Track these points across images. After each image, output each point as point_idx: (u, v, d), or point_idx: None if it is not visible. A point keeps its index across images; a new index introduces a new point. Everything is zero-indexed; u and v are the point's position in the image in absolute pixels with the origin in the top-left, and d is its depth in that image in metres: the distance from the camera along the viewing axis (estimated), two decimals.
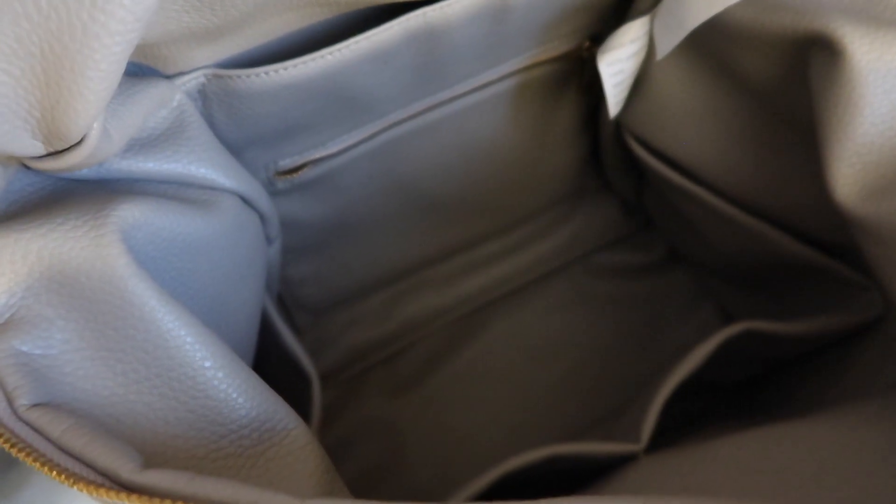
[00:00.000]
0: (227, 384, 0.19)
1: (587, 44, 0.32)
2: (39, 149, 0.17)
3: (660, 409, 0.27)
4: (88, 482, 0.14)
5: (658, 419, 0.27)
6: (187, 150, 0.22)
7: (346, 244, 0.37)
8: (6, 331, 0.17)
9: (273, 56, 0.25)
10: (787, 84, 0.26)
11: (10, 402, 0.16)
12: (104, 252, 0.17)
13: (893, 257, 0.23)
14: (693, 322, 0.41)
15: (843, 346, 0.30)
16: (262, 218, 0.26)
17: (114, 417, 0.17)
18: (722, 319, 0.41)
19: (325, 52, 0.24)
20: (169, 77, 0.23)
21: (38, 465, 0.14)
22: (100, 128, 0.17)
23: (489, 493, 0.27)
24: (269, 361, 0.31)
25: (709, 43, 0.27)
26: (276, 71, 0.24)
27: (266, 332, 0.30)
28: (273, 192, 0.31)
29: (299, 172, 0.30)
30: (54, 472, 0.14)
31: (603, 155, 0.40)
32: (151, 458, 0.17)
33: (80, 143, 0.17)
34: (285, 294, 0.38)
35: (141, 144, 0.21)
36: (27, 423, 0.16)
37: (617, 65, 0.30)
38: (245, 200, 0.25)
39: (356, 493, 0.20)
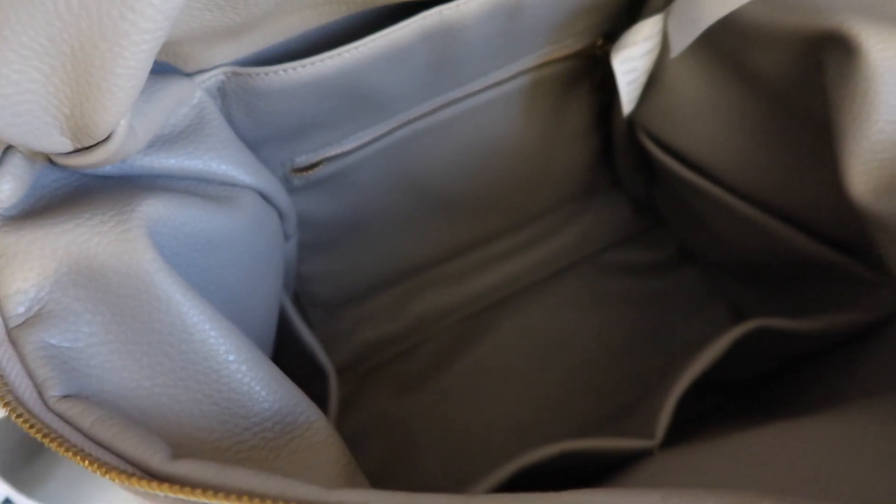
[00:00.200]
0: (250, 377, 0.19)
1: (600, 42, 0.32)
2: (67, 145, 0.17)
3: (675, 404, 0.27)
4: (120, 472, 0.14)
5: (672, 415, 0.27)
6: (208, 147, 0.22)
7: (358, 241, 0.37)
8: (35, 324, 0.17)
9: (290, 54, 0.25)
10: (801, 82, 0.26)
11: (40, 393, 0.16)
12: (130, 247, 0.18)
13: None
14: (703, 320, 0.41)
15: (856, 344, 0.30)
16: (281, 214, 0.27)
17: (140, 409, 0.18)
18: (732, 317, 0.41)
19: (342, 49, 0.25)
20: (189, 75, 0.23)
21: (70, 454, 0.15)
22: (126, 124, 0.17)
23: (500, 489, 0.28)
24: (285, 356, 0.31)
25: (723, 41, 0.28)
26: (294, 69, 0.24)
27: (283, 327, 0.30)
28: (289, 190, 0.31)
29: (315, 169, 0.30)
30: (86, 462, 0.15)
31: (614, 153, 0.40)
32: (177, 449, 0.17)
33: (107, 139, 0.17)
34: (299, 290, 0.38)
35: (162, 141, 0.22)
36: (58, 415, 0.16)
37: (630, 62, 0.30)
38: (264, 197, 0.25)
39: None
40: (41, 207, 0.18)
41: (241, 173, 0.23)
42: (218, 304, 0.22)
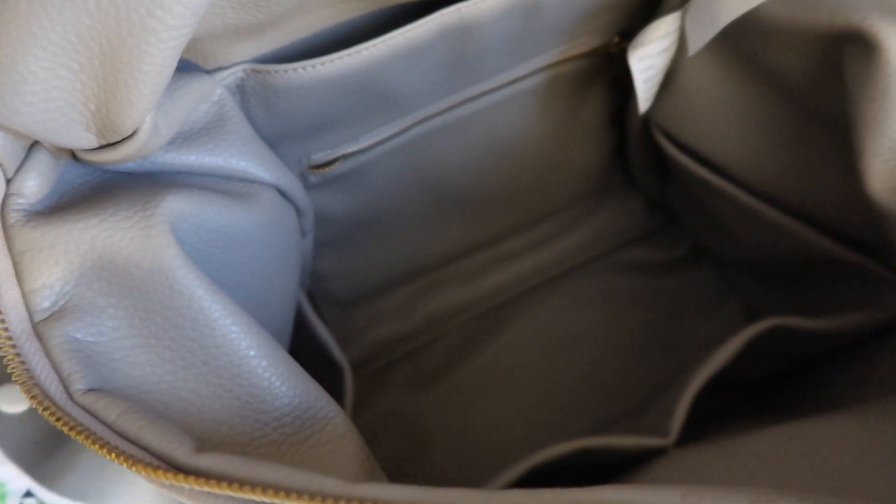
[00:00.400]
0: (270, 373, 0.19)
1: (616, 39, 0.32)
2: (93, 141, 0.17)
3: (690, 403, 0.27)
4: (146, 464, 0.15)
5: (687, 414, 0.27)
6: (227, 144, 0.23)
7: (373, 239, 0.37)
8: (60, 318, 0.17)
9: (307, 52, 0.25)
10: (820, 80, 0.26)
11: (66, 387, 0.16)
12: (153, 242, 0.18)
13: None
14: (716, 319, 0.41)
15: (872, 344, 0.30)
16: (298, 211, 0.27)
17: (162, 403, 0.18)
18: (746, 316, 0.41)
19: (360, 47, 0.25)
20: (209, 72, 0.23)
21: (97, 447, 0.15)
22: (151, 121, 0.17)
23: (515, 485, 0.28)
24: (300, 353, 0.31)
25: (741, 39, 0.27)
26: (313, 66, 0.24)
27: (298, 323, 0.30)
28: (305, 187, 0.31)
29: (331, 167, 0.30)
30: (113, 455, 0.15)
31: (629, 151, 0.40)
32: (198, 443, 0.17)
33: (132, 136, 0.17)
34: (313, 287, 0.38)
35: (183, 138, 0.22)
36: (83, 408, 0.16)
37: (647, 60, 0.30)
38: (282, 193, 0.25)
39: None
40: (65, 203, 0.19)
41: (260, 170, 0.23)
42: (237, 300, 0.22)
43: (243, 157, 0.23)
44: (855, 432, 0.23)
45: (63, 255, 0.17)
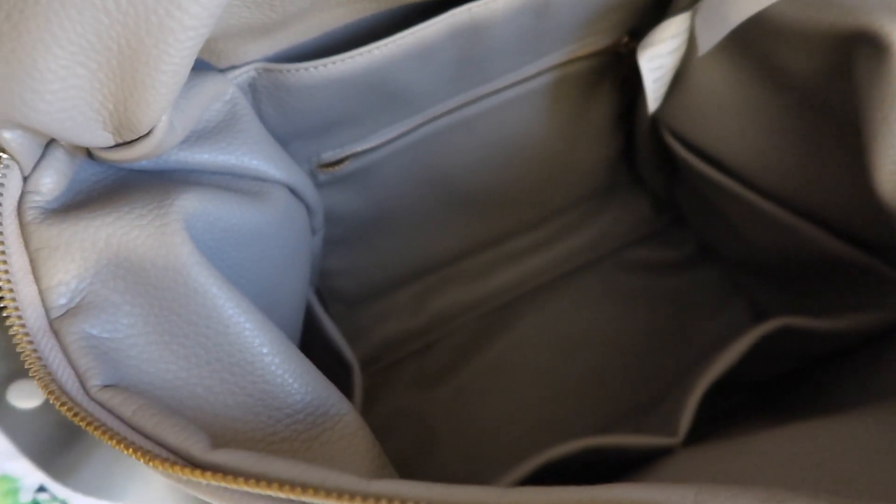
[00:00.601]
0: (283, 370, 0.19)
1: (625, 39, 0.32)
2: (109, 139, 0.17)
3: (698, 402, 0.27)
4: (163, 460, 0.15)
5: (695, 413, 0.27)
6: (240, 142, 0.23)
7: (381, 237, 0.37)
8: (76, 314, 0.17)
9: (318, 51, 0.25)
10: (830, 81, 0.26)
11: (82, 383, 0.16)
12: (168, 240, 0.18)
13: None
14: (723, 318, 0.41)
15: (879, 344, 0.30)
16: (309, 209, 0.27)
17: (176, 400, 0.18)
18: (752, 316, 0.41)
19: (371, 46, 0.25)
20: (221, 70, 0.24)
21: (113, 443, 0.15)
22: (167, 120, 0.18)
23: (523, 483, 0.28)
24: (309, 350, 0.31)
25: (751, 39, 0.27)
26: (325, 65, 0.24)
27: (307, 321, 0.31)
28: (315, 185, 0.32)
29: (340, 165, 0.31)
30: (130, 450, 0.15)
31: (637, 150, 0.40)
32: (212, 440, 0.18)
33: (148, 134, 0.17)
34: (321, 285, 0.38)
35: (196, 136, 0.22)
36: (100, 404, 0.16)
37: (657, 60, 0.30)
38: (293, 192, 0.25)
39: None
40: (81, 201, 0.19)
41: (272, 168, 0.24)
42: (250, 298, 0.22)
43: (255, 156, 0.23)
44: (863, 433, 0.23)
45: (79, 253, 0.17)
